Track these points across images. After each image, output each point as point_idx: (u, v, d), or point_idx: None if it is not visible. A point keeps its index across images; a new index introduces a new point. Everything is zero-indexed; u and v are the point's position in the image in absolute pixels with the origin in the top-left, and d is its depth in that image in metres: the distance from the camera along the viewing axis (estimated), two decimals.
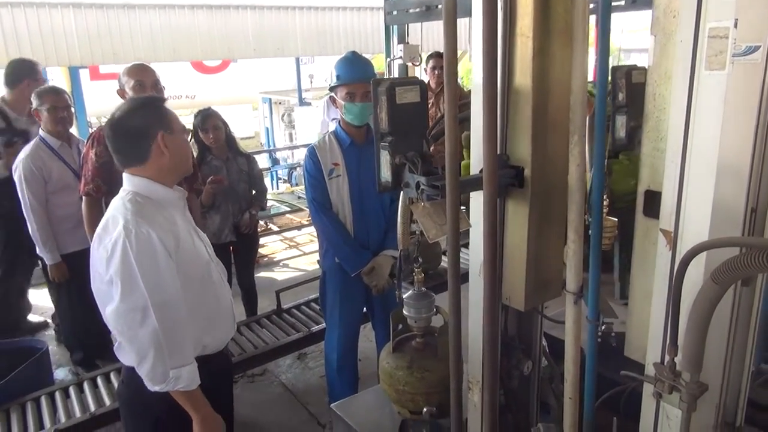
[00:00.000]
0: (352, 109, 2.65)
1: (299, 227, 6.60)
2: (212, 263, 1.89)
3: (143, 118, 1.72)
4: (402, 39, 5.77)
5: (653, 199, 1.38)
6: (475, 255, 1.66)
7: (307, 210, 6.17)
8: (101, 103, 8.62)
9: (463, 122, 1.64)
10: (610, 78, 2.13)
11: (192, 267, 1.76)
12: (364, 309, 3.09)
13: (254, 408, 3.43)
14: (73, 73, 7.03)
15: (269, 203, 7.34)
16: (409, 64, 5.69)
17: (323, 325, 3.27)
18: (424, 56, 5.56)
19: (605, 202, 2.04)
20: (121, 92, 3.04)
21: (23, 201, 3.36)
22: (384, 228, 2.85)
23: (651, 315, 1.40)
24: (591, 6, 1.44)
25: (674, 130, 1.26)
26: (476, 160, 1.57)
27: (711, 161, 1.20)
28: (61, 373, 3.75)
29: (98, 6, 6.47)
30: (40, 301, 4.49)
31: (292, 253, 6.08)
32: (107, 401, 2.87)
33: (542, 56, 1.44)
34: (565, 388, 1.58)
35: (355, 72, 2.64)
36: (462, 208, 1.52)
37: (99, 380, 3.07)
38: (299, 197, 7.66)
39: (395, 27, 5.70)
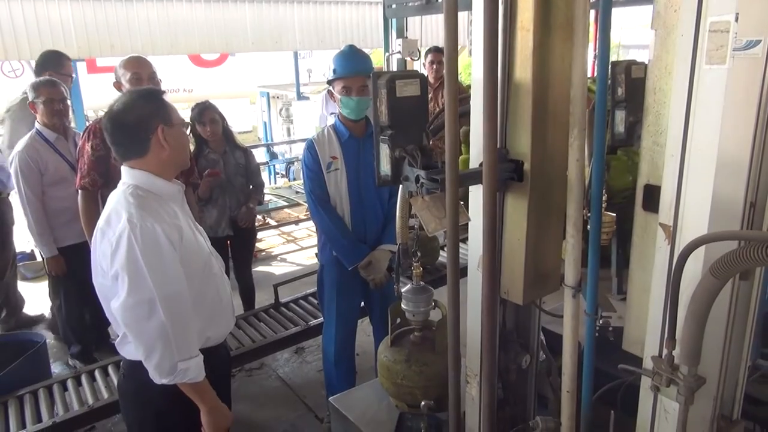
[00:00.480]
0: (348, 103, 2.64)
1: (297, 222, 6.60)
2: (213, 256, 1.89)
3: (143, 110, 1.70)
4: (401, 33, 5.76)
5: (652, 194, 1.39)
6: (473, 249, 1.66)
7: (305, 204, 6.18)
8: (98, 96, 8.58)
9: (461, 117, 1.64)
10: (609, 73, 2.13)
11: (194, 260, 1.76)
12: (362, 303, 3.10)
13: (252, 402, 3.43)
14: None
15: (267, 198, 7.33)
16: (408, 58, 5.68)
17: (321, 319, 3.27)
18: (423, 51, 5.55)
19: (603, 197, 2.04)
20: (118, 85, 3.03)
21: (19, 194, 3.36)
22: (382, 222, 2.85)
23: (649, 308, 1.41)
24: (591, 0, 1.44)
25: (674, 125, 1.26)
26: (476, 154, 1.57)
27: (711, 155, 1.21)
28: (59, 367, 3.75)
29: None
30: (40, 294, 4.50)
31: (290, 247, 6.08)
32: (105, 395, 2.87)
33: (543, 50, 1.44)
34: (563, 381, 1.59)
35: (351, 66, 2.63)
36: (460, 203, 1.52)
37: (97, 374, 3.06)
38: (297, 192, 7.65)
39: (394, 21, 5.68)
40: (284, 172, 9.38)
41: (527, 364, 1.86)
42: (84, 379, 3.02)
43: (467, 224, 1.63)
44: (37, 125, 3.43)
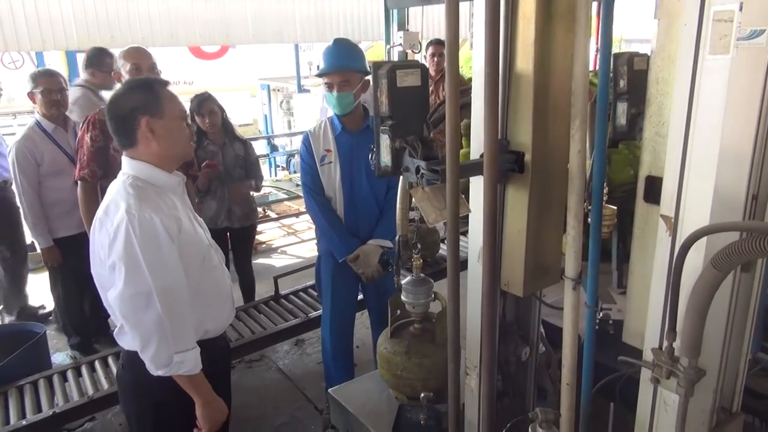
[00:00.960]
0: (330, 98, 2.65)
1: (297, 214, 6.59)
2: (212, 248, 1.88)
3: (128, 101, 1.70)
4: (402, 26, 5.72)
5: (654, 185, 1.38)
6: (474, 241, 1.66)
7: None
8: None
9: (462, 110, 1.63)
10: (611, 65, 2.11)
11: (193, 252, 1.75)
12: (360, 296, 3.10)
13: (252, 393, 3.44)
14: (71, 58, 6.97)
15: (267, 190, 7.32)
16: (409, 51, 5.65)
17: (321, 311, 3.28)
18: (424, 44, 5.52)
19: (604, 190, 2.03)
20: (117, 76, 3.02)
21: (16, 184, 3.36)
22: (376, 217, 2.84)
23: (650, 300, 1.40)
24: None
25: (677, 115, 1.25)
26: (477, 145, 1.56)
27: (713, 147, 1.20)
28: (59, 357, 3.76)
29: None
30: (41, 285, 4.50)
31: (290, 240, 6.08)
32: (105, 385, 2.88)
33: (544, 40, 1.43)
34: (563, 373, 1.59)
35: (330, 62, 2.62)
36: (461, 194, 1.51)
37: (97, 364, 3.07)
38: (297, 184, 7.63)
39: (395, 13, 5.65)
40: (285, 165, 9.36)
41: (527, 356, 1.86)
42: (84, 369, 3.03)
43: (467, 216, 1.63)
44: (36, 116, 3.42)
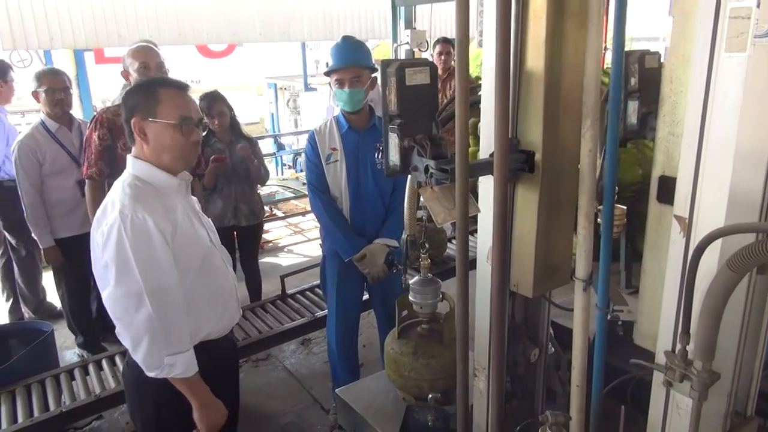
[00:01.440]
0: (341, 95, 2.62)
1: (304, 213, 6.59)
2: (215, 249, 1.86)
3: (130, 99, 1.71)
4: (409, 24, 5.70)
5: (667, 185, 1.36)
6: (483, 241, 1.64)
7: None
8: (107, 86, 8.57)
9: (470, 108, 1.61)
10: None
11: (191, 252, 1.73)
12: (366, 296, 3.08)
13: (258, 393, 3.43)
14: (78, 56, 6.98)
15: (274, 189, 7.32)
16: (416, 49, 5.62)
17: (327, 311, 3.27)
18: (431, 42, 5.50)
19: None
20: (125, 74, 3.02)
21: (18, 183, 3.35)
22: (382, 216, 2.82)
23: (663, 302, 1.38)
24: None
25: (691, 114, 1.23)
26: (486, 144, 1.55)
27: (729, 146, 1.17)
28: (68, 356, 3.77)
29: None
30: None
31: (297, 238, 6.08)
32: (112, 384, 2.88)
33: (555, 38, 1.41)
34: (573, 375, 1.57)
35: (342, 57, 2.60)
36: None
37: (104, 363, 3.07)
38: (304, 183, 7.58)
39: (403, 11, 5.62)
40: (291, 164, 9.37)
41: (536, 358, 1.84)
42: (91, 368, 3.03)
43: (475, 216, 1.61)
44: (41, 115, 3.41)
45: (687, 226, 1.28)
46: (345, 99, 2.62)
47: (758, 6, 1.09)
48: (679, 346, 1.28)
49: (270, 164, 9.23)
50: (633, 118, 2.16)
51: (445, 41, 5.17)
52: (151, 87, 1.71)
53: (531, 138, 1.49)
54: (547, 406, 1.91)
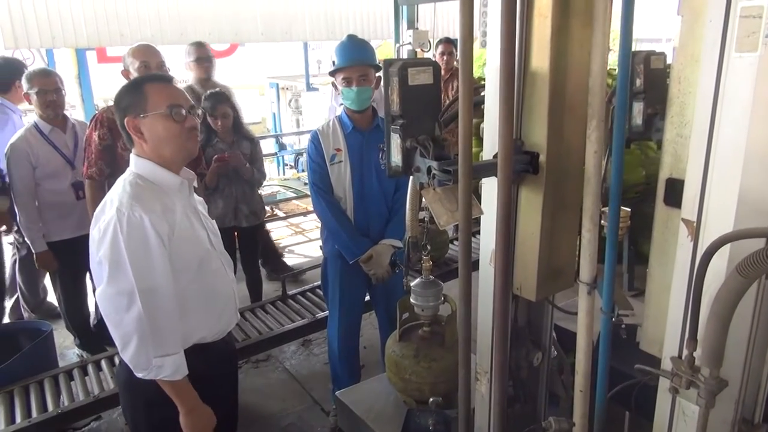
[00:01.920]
0: (348, 94, 2.60)
1: (305, 213, 6.57)
2: (214, 251, 1.83)
3: (120, 102, 1.70)
4: (412, 24, 5.68)
5: (675, 188, 1.33)
6: (486, 243, 1.62)
7: None
8: (109, 86, 8.56)
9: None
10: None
11: (189, 254, 1.71)
12: (367, 297, 3.06)
13: (258, 394, 3.41)
14: (80, 55, 6.97)
15: (275, 189, 7.30)
16: (419, 50, 5.60)
17: (328, 312, 3.24)
18: (434, 42, 5.48)
19: None
20: (126, 73, 3.00)
21: (11, 186, 3.30)
22: (386, 216, 2.80)
23: (669, 308, 1.35)
24: None
25: (700, 115, 1.20)
26: (490, 145, 1.52)
27: (739, 148, 1.15)
28: (68, 356, 3.76)
29: None
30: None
31: (298, 239, 6.06)
32: (111, 385, 2.86)
33: (561, 37, 1.38)
34: (576, 380, 1.54)
35: (349, 56, 2.58)
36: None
37: (103, 363, 3.05)
38: (305, 183, 7.60)
39: (405, 11, 5.60)
40: (293, 164, 9.35)
41: (539, 362, 1.82)
42: (90, 368, 3.01)
43: (479, 217, 1.59)
44: (34, 117, 3.37)
45: (695, 230, 1.25)
46: (353, 98, 2.60)
47: None
48: (685, 352, 1.26)
49: (272, 164, 9.22)
50: (638, 120, 2.14)
51: (447, 41, 5.15)
52: (138, 85, 1.71)
53: (535, 139, 1.47)
54: (550, 410, 1.89)
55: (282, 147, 9.40)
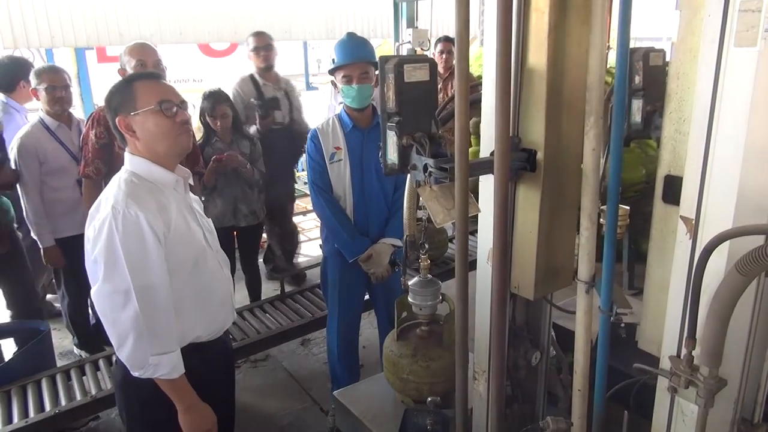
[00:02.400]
0: (349, 92, 2.58)
1: (304, 212, 6.55)
2: (210, 250, 1.83)
3: (110, 101, 1.70)
4: (411, 22, 5.67)
5: (673, 185, 1.32)
6: (483, 241, 1.60)
7: None
8: (108, 85, 8.55)
9: (470, 107, 1.58)
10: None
11: (184, 252, 1.70)
12: (367, 296, 3.05)
13: (257, 393, 3.41)
14: (80, 55, 6.97)
15: None
16: (418, 48, 5.60)
17: (327, 311, 3.23)
18: (433, 41, 5.47)
19: None
20: (123, 72, 2.99)
21: (19, 182, 3.31)
22: (386, 215, 2.79)
23: (668, 306, 1.34)
24: None
25: (699, 111, 1.19)
26: (487, 143, 1.51)
27: (738, 144, 1.13)
28: (66, 356, 3.74)
29: None
30: None
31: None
32: (109, 384, 2.85)
33: (558, 32, 1.37)
34: (575, 379, 1.53)
35: (349, 53, 2.57)
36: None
37: (101, 363, 3.04)
38: (304, 182, 7.59)
39: (404, 9, 5.60)
40: None
41: (537, 361, 1.80)
42: (88, 368, 3.00)
43: (476, 216, 1.57)
44: (40, 113, 3.38)
45: (693, 228, 1.24)
46: (354, 95, 2.59)
47: None
48: (684, 351, 1.24)
49: None
50: (637, 117, 2.12)
51: (446, 40, 5.14)
52: (127, 84, 1.71)
53: (533, 136, 1.45)
54: (548, 410, 1.88)
55: None
